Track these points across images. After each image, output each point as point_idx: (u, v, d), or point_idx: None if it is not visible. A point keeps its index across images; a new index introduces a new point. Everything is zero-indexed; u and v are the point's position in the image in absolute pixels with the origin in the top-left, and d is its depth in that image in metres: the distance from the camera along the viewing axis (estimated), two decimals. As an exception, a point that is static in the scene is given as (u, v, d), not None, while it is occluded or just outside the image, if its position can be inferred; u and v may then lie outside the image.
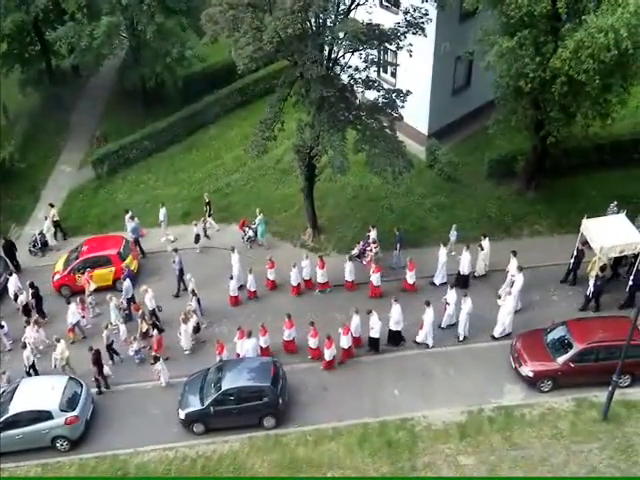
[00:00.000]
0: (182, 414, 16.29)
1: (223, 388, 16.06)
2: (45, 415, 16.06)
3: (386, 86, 19.37)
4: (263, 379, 16.17)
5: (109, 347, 17.85)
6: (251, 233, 21.10)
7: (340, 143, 17.23)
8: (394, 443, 15.62)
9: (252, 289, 19.26)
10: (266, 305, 19.14)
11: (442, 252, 18.82)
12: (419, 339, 17.65)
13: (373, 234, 19.93)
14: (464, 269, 18.70)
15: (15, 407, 16.14)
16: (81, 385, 16.97)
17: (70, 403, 16.38)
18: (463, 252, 18.57)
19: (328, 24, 17.34)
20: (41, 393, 16.50)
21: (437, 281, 19.16)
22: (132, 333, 18.13)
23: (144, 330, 18.12)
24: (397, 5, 20.43)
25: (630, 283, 17.70)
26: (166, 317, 18.75)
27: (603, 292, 17.77)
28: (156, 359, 17.21)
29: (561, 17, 16.66)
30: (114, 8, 23.57)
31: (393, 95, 18.53)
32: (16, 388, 16.67)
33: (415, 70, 20.87)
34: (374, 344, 17.58)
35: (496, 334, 17.64)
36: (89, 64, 25.67)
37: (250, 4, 16.72)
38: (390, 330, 17.46)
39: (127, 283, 19.06)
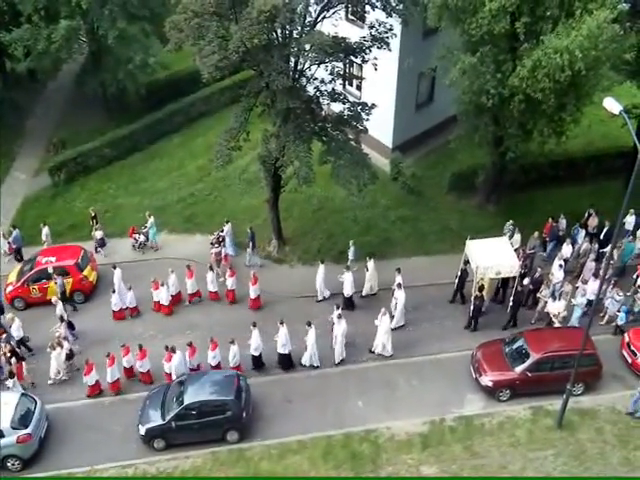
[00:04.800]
0: (142, 430, 15.87)
1: (185, 402, 15.74)
2: (-5, 433, 15.36)
3: (351, 99, 19.60)
4: (226, 393, 15.94)
5: None
6: (142, 238, 21.01)
7: (306, 154, 17.31)
8: (358, 455, 15.66)
9: (132, 306, 19.04)
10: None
11: (320, 269, 18.86)
12: (304, 361, 17.44)
13: (226, 228, 20.23)
14: (347, 290, 18.62)
15: (-37, 425, 15.37)
16: (35, 401, 16.32)
17: (23, 420, 15.74)
18: (344, 273, 18.59)
19: (294, 36, 17.44)
20: (-9, 410, 15.76)
21: (319, 297, 19.15)
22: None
23: (8, 354, 17.31)
24: (362, 19, 20.75)
25: (510, 304, 18.28)
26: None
27: (482, 312, 18.24)
28: (11, 374, 16.68)
29: (519, 37, 17.28)
30: (73, 12, 22.98)
31: (358, 108, 18.77)
32: (-35, 406, 15.89)
33: (380, 84, 21.21)
34: (255, 363, 17.31)
35: (376, 351, 17.71)
36: (46, 68, 24.96)
37: (215, 13, 16.65)
38: (278, 353, 17.25)
39: None
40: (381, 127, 22.03)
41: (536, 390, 16.69)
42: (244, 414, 15.93)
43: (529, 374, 16.50)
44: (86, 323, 19.02)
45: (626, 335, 17.77)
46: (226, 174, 22.98)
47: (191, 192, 23.32)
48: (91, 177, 24.14)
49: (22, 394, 16.39)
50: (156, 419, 15.81)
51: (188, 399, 15.77)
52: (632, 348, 17.35)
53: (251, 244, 20.09)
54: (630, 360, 17.35)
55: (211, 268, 19.18)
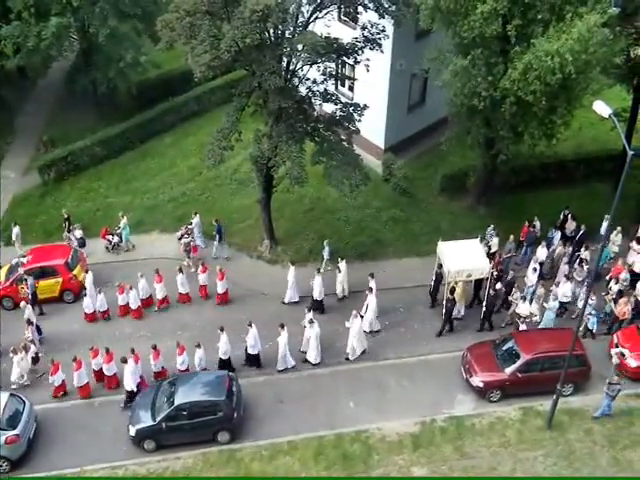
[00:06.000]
0: (132, 430, 15.77)
1: (176, 403, 15.66)
2: (-17, 435, 15.19)
3: (344, 100, 19.62)
4: (217, 393, 15.88)
5: None
6: (116, 239, 20.90)
7: (298, 154, 17.29)
8: (349, 456, 15.68)
9: (102, 309, 18.88)
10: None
11: (291, 271, 18.78)
12: (278, 367, 17.27)
13: (195, 220, 20.50)
14: (316, 294, 18.47)
15: (-50, 426, 15.21)
16: (23, 402, 16.17)
17: (11, 421, 15.58)
18: (315, 276, 18.49)
19: (287, 35, 17.42)
20: (-21, 411, 15.58)
21: (286, 299, 19.11)
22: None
23: None
24: (355, 20, 20.77)
25: (483, 308, 18.36)
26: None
27: (459, 316, 18.36)
28: None
29: (511, 40, 17.38)
30: (64, 9, 22.79)
31: (350, 109, 18.80)
32: (-49, 406, 15.71)
33: (372, 85, 21.24)
34: (223, 365, 17.17)
35: (350, 357, 17.70)
36: (36, 65, 24.70)
37: (208, 12, 16.60)
38: (247, 354, 17.21)
39: None
40: (373, 128, 22.08)
41: (526, 391, 16.79)
42: (235, 415, 15.88)
43: (519, 375, 16.61)
44: (73, 323, 18.86)
45: (614, 336, 17.94)
46: (218, 174, 22.95)
47: (183, 192, 23.22)
48: (81, 176, 23.93)
49: (11, 394, 16.20)
50: (146, 420, 15.71)
51: (179, 400, 15.69)
52: (620, 349, 17.52)
53: (218, 237, 20.35)
54: (618, 361, 17.51)
55: (180, 270, 19.02)
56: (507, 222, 20.57)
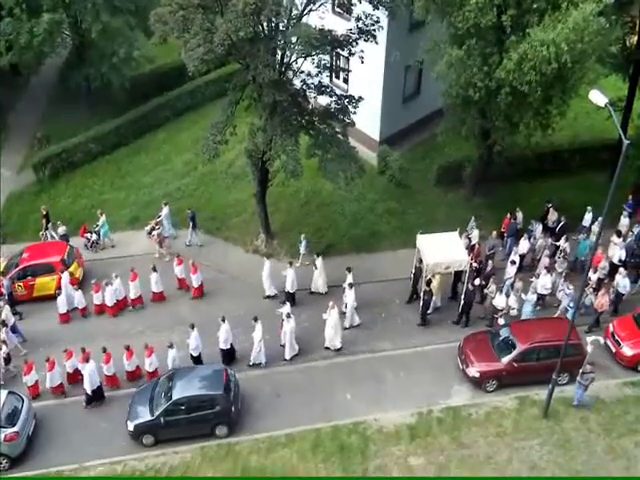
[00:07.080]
0: (131, 426, 15.82)
1: (174, 398, 15.71)
2: (-19, 432, 15.22)
3: (338, 92, 19.55)
4: (215, 387, 15.93)
5: None
6: (95, 237, 20.88)
7: (293, 148, 17.26)
8: (346, 447, 15.74)
9: (80, 307, 18.82)
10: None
11: (266, 265, 18.78)
12: (252, 360, 17.32)
13: (164, 212, 20.62)
14: (288, 287, 18.48)
15: (-51, 424, 15.24)
16: (22, 399, 16.20)
17: (10, 419, 15.61)
18: (287, 269, 18.49)
19: (281, 28, 17.34)
20: (-23, 409, 15.61)
21: (271, 293, 19.10)
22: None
23: None
24: (349, 12, 20.65)
25: (462, 302, 18.30)
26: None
27: (437, 308, 18.40)
28: None
29: (506, 30, 17.31)
30: (56, 5, 22.66)
31: (345, 101, 18.75)
32: (-50, 404, 15.72)
33: (367, 77, 21.17)
34: (195, 362, 17.15)
35: (339, 346, 17.73)
36: (29, 62, 24.58)
37: (200, 5, 16.50)
38: (221, 349, 17.22)
39: None
40: (368, 120, 21.99)
41: (522, 380, 16.86)
42: (233, 408, 15.94)
43: (515, 364, 16.68)
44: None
45: (610, 325, 18.00)
46: (213, 168, 22.84)
47: (178, 187, 23.18)
48: (76, 173, 23.85)
49: (9, 392, 16.21)
50: (145, 415, 15.77)
51: (177, 394, 15.74)
52: (616, 338, 17.59)
53: (191, 224, 20.41)
54: (614, 350, 17.59)
55: (154, 269, 18.92)
56: (503, 213, 20.55)
